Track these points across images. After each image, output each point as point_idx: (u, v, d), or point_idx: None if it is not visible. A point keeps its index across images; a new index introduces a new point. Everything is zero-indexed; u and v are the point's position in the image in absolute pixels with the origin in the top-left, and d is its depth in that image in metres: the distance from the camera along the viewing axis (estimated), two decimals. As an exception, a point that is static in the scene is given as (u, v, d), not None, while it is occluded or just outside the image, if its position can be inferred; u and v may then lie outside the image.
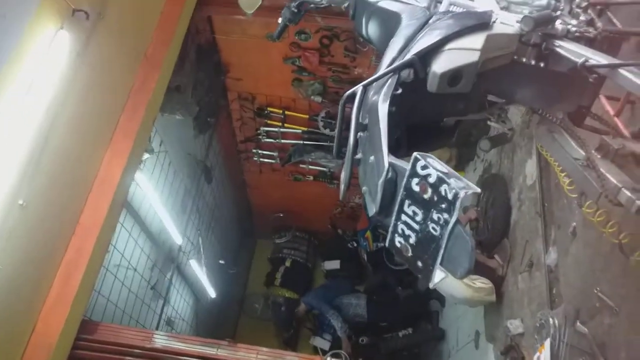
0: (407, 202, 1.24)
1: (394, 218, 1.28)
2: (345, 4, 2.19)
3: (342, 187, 1.60)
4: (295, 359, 3.09)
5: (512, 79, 1.69)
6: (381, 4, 1.89)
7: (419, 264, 1.23)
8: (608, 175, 1.52)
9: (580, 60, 1.52)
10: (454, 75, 1.34)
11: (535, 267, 3.46)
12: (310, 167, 6.71)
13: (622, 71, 1.43)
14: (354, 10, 2.07)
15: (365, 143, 1.48)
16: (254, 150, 6.50)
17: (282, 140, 6.27)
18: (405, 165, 1.26)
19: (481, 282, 3.88)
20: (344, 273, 7.46)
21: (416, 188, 1.21)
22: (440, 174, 1.16)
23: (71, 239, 2.99)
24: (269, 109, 5.99)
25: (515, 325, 3.52)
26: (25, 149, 2.43)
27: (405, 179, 1.22)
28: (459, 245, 1.14)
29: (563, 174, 2.73)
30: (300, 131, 6.17)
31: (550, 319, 2.63)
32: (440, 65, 1.34)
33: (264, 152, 6.55)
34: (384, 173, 1.29)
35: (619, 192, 1.48)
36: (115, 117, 3.39)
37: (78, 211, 3.04)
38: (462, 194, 1.12)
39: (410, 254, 1.25)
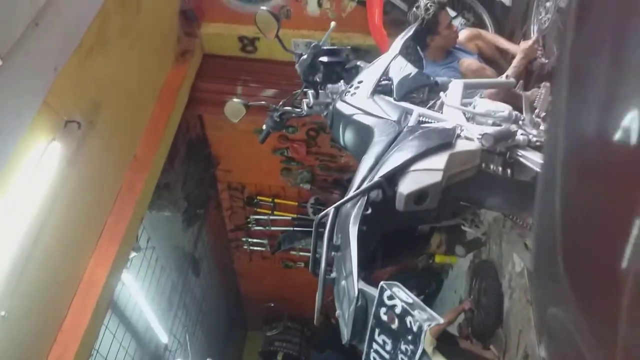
0: (377, 330, 1.24)
1: (366, 345, 1.28)
2: (324, 114, 2.32)
3: (316, 312, 1.60)
4: None
5: (481, 188, 1.75)
6: (355, 117, 2.01)
7: None
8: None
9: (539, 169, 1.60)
10: (419, 195, 1.40)
11: (531, 358, 3.37)
12: (301, 253, 6.68)
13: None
14: (331, 121, 2.19)
15: (339, 263, 1.51)
16: (244, 239, 6.51)
17: (272, 228, 6.30)
18: (374, 292, 1.29)
19: (477, 376, 3.75)
20: (338, 365, 7.17)
21: (384, 317, 1.23)
22: (405, 305, 1.18)
23: (52, 346, 2.90)
24: (259, 197, 6.08)
25: (516, 422, 3.35)
26: (9, 260, 2.43)
27: (374, 308, 1.24)
28: None
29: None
30: (290, 218, 6.22)
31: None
32: (406, 186, 1.41)
33: (254, 240, 6.55)
34: (354, 301, 1.31)
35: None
36: (103, 219, 3.41)
37: (61, 317, 2.97)
38: (425, 326, 1.13)
39: None
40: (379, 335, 1.25)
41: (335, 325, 5.66)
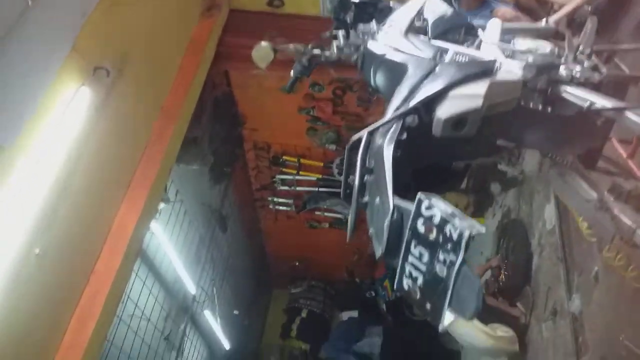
0: (413, 242, 1.22)
1: (401, 259, 1.26)
2: (354, 57, 2.25)
3: (348, 231, 1.59)
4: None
5: (520, 124, 1.69)
6: (388, 55, 1.93)
7: (428, 306, 1.20)
8: (622, 217, 1.48)
9: (585, 105, 1.52)
10: (458, 121, 1.35)
11: (560, 315, 3.34)
12: (326, 214, 6.70)
13: (628, 114, 1.43)
14: (362, 62, 2.12)
15: (372, 186, 1.48)
16: (270, 198, 6.54)
17: (298, 188, 6.30)
18: (410, 206, 1.26)
19: (502, 331, 3.74)
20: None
21: (421, 229, 1.20)
22: (444, 215, 1.15)
23: (85, 287, 2.99)
24: (284, 157, 6.07)
25: (541, 378, 3.35)
26: (42, 198, 2.48)
27: (410, 220, 1.21)
28: (467, 286, 1.11)
29: (581, 218, 2.67)
30: (315, 179, 6.21)
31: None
32: (445, 110, 1.36)
33: (280, 200, 6.58)
34: (389, 214, 1.28)
35: (634, 233, 1.44)
36: (132, 167, 3.45)
37: (93, 260, 3.05)
38: (466, 233, 1.10)
39: (418, 296, 1.22)
40: (415, 247, 1.23)
41: (360, 284, 5.74)
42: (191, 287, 5.07)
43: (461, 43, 1.95)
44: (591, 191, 1.60)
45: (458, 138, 1.51)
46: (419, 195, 1.22)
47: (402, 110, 1.44)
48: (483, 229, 1.17)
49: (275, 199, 6.57)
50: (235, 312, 6.41)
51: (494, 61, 1.54)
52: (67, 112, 2.56)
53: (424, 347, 6.20)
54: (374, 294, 7.13)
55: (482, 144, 1.73)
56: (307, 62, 2.40)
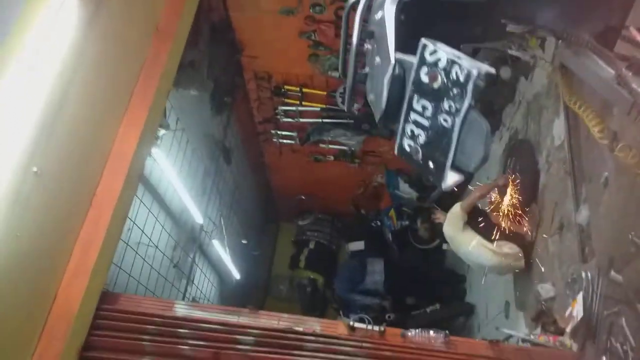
0: (415, 97, 1.15)
1: (402, 120, 1.19)
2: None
3: (346, 102, 1.51)
4: (316, 324, 3.02)
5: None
6: None
7: (431, 165, 1.15)
8: (640, 91, 1.39)
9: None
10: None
11: (566, 228, 3.32)
12: (330, 146, 6.62)
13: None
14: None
15: (373, 52, 1.39)
16: (273, 131, 6.45)
17: (301, 119, 6.19)
18: (412, 59, 1.18)
19: (508, 248, 3.76)
20: (369, 254, 7.38)
21: (425, 79, 1.13)
22: (451, 56, 1.07)
23: (88, 210, 2.98)
24: (286, 87, 5.91)
25: (546, 289, 3.39)
26: (37, 113, 2.41)
27: (413, 71, 1.14)
28: (474, 132, 1.06)
29: (593, 123, 2.58)
30: (318, 109, 6.09)
31: (583, 273, 2.49)
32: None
33: (283, 133, 6.49)
34: (390, 68, 1.20)
35: (653, 104, 1.35)
36: (129, 87, 3.37)
37: (94, 182, 3.02)
38: (474, 72, 1.03)
39: (420, 155, 1.17)
40: (417, 101, 1.16)
41: (365, 215, 5.72)
42: (198, 217, 5.10)
43: None
44: (608, 68, 1.49)
45: (467, 14, 1.40)
46: (423, 40, 1.13)
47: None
48: (492, 70, 1.09)
49: (279, 132, 6.47)
50: (244, 241, 6.49)
51: None
52: (57, 21, 2.44)
53: (429, 274, 6.31)
54: (379, 224, 7.18)
55: (492, 27, 1.61)
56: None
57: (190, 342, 2.96)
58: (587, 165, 2.99)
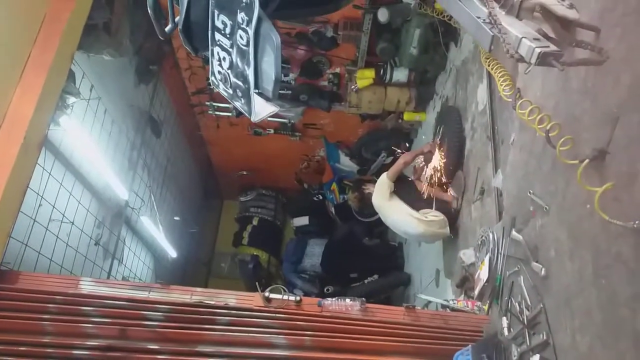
0: (216, 12, 1.02)
1: (210, 42, 1.06)
2: None
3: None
4: (232, 297, 2.90)
5: None
6: None
7: (239, 93, 1.02)
8: (509, 29, 1.30)
9: None
10: None
11: (487, 193, 3.31)
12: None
13: None
14: None
15: None
16: (208, 103, 6.18)
17: (237, 91, 5.96)
18: None
19: (433, 215, 3.73)
20: (313, 228, 7.33)
21: None
22: None
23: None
24: (219, 56, 5.66)
25: (468, 255, 3.37)
26: None
27: None
28: (268, 50, 0.93)
29: (501, 81, 2.53)
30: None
31: (490, 234, 2.46)
32: None
33: (219, 105, 6.23)
34: None
35: (519, 43, 1.26)
36: (25, 50, 3.09)
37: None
38: None
39: (229, 83, 1.04)
40: (218, 18, 1.03)
41: (308, 190, 5.56)
42: (122, 193, 4.84)
43: None
44: (483, 7, 1.40)
45: None
46: None
47: None
48: None
49: (215, 104, 6.22)
50: (176, 218, 6.26)
51: None
52: None
53: (369, 246, 6.31)
54: (321, 198, 7.11)
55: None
56: None
57: (95, 319, 2.78)
58: (501, 127, 2.96)
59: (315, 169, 7.41)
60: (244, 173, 7.45)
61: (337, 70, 5.63)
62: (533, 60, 1.24)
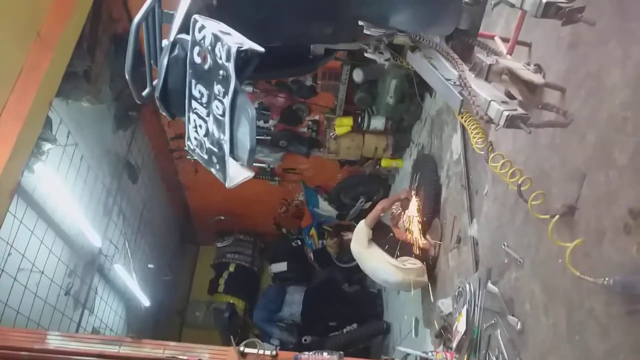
0: (193, 82, 1.04)
1: (187, 109, 1.08)
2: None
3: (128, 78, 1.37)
4: (205, 351, 2.81)
5: (386, 1, 1.52)
6: None
7: (214, 159, 1.03)
8: (478, 91, 1.36)
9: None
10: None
11: (463, 241, 3.33)
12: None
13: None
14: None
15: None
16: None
17: (216, 136, 5.98)
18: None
19: (410, 264, 3.73)
20: (291, 274, 7.23)
21: (198, 59, 1.02)
22: (215, 32, 0.97)
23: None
24: (199, 103, 5.71)
25: (446, 305, 3.36)
26: None
27: (189, 52, 1.03)
28: (244, 120, 0.95)
29: (474, 134, 2.60)
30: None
31: (467, 285, 2.47)
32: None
33: (198, 150, 6.22)
34: (169, 48, 1.09)
35: (488, 105, 1.32)
36: (2, 98, 3.08)
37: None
38: (234, 49, 0.93)
39: (205, 150, 1.05)
40: (195, 87, 1.05)
41: (287, 235, 5.54)
42: (96, 240, 4.73)
43: None
44: (454, 70, 1.47)
45: (311, 13, 1.33)
46: (194, 16, 1.03)
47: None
48: (259, 48, 1.00)
49: (194, 149, 6.21)
50: (150, 265, 6.10)
51: None
52: None
53: (348, 293, 6.24)
54: (300, 243, 7.06)
55: (345, 27, 1.55)
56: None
57: (62, 377, 2.66)
58: (475, 178, 3.03)
59: (294, 213, 7.39)
60: (222, 218, 7.38)
61: (316, 117, 5.74)
62: (502, 123, 1.30)
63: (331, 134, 5.44)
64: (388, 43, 1.69)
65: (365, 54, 1.65)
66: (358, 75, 4.45)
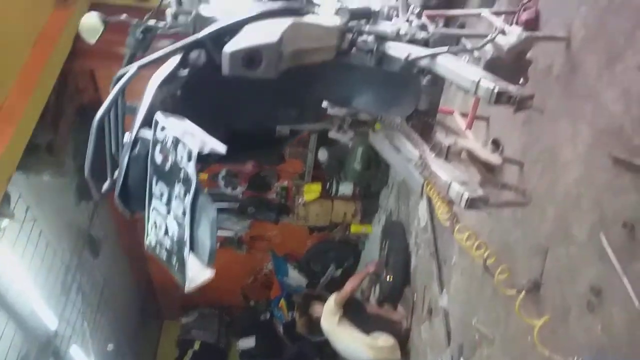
0: (154, 180, 1.03)
1: (147, 207, 1.05)
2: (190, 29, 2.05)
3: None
4: None
5: (348, 84, 1.58)
6: (216, 17, 1.76)
7: (174, 260, 1.00)
8: (439, 172, 1.40)
9: (404, 56, 1.44)
10: (249, 56, 1.18)
11: (434, 312, 3.28)
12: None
13: (439, 59, 1.36)
14: (193, 28, 1.92)
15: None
16: (153, 218, 6.03)
17: (182, 206, 5.88)
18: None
19: (383, 341, 3.62)
20: (260, 351, 6.91)
21: (159, 158, 1.01)
22: (177, 134, 0.96)
23: None
24: (166, 172, 5.65)
25: (420, 380, 3.24)
26: None
27: (150, 150, 1.02)
28: (205, 220, 0.93)
29: (439, 204, 2.63)
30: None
31: (439, 362, 2.40)
32: (233, 44, 1.18)
33: (164, 220, 6.09)
34: (130, 146, 1.07)
35: (449, 187, 1.35)
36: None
37: None
38: (195, 152, 0.92)
39: (165, 250, 1.02)
40: (156, 185, 1.03)
41: (255, 307, 5.36)
42: (52, 322, 4.44)
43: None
44: (414, 150, 1.51)
45: (283, 100, 1.36)
46: (157, 114, 1.03)
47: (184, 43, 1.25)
48: (220, 149, 1.00)
49: (159, 220, 6.07)
50: (110, 346, 5.72)
51: (301, 2, 1.41)
52: None
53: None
54: (269, 316, 6.81)
55: (309, 109, 1.60)
56: (141, 35, 2.16)
57: None
58: (443, 247, 3.04)
59: (263, 283, 7.19)
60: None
61: (285, 183, 5.75)
62: (462, 205, 1.32)
63: (300, 200, 5.45)
64: (352, 121, 1.73)
65: (330, 135, 1.68)
66: (323, 155, 4.58)
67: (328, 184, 5.31)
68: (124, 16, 2.17)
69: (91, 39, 2.22)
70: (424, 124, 1.73)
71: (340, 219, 5.57)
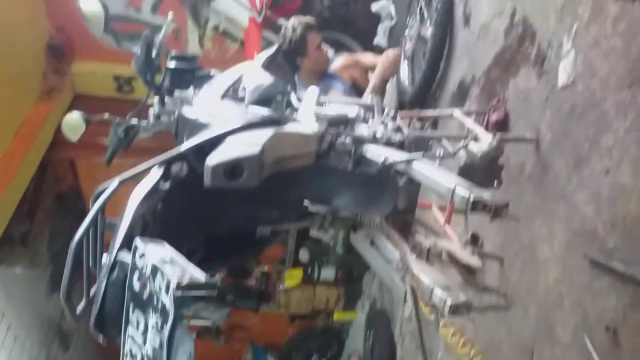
0: (131, 307, 0.99)
1: (122, 334, 1.01)
2: (172, 129, 2.11)
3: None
4: None
5: (327, 184, 1.61)
6: (200, 120, 1.81)
7: None
8: (421, 276, 1.39)
9: (381, 160, 1.49)
10: (231, 168, 1.20)
11: (422, 408, 3.12)
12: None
13: (414, 164, 1.40)
14: (176, 128, 1.98)
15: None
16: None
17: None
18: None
19: None
20: None
21: (137, 286, 0.98)
22: (155, 262, 0.95)
23: None
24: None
25: None
26: None
27: (128, 276, 0.99)
28: (181, 355, 0.89)
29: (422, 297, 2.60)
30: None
31: None
32: (215, 157, 1.21)
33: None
34: (108, 269, 1.05)
35: (431, 292, 1.33)
36: None
37: None
38: (174, 282, 0.90)
39: None
40: (133, 312, 0.99)
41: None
42: None
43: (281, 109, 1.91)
44: (395, 251, 1.51)
45: (264, 202, 1.37)
46: (136, 240, 1.02)
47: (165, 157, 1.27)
48: (199, 277, 0.98)
49: (134, 308, 5.83)
50: None
51: (281, 111, 1.47)
52: None
53: None
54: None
55: (290, 209, 1.61)
56: (123, 133, 2.20)
57: None
58: (428, 340, 2.95)
59: (243, 375, 6.81)
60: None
61: (266, 268, 5.64)
62: (446, 311, 1.30)
63: (281, 286, 5.32)
64: (332, 219, 1.74)
65: (311, 234, 1.68)
66: (304, 256, 4.63)
67: (310, 268, 5.23)
68: (106, 115, 2.23)
69: (73, 136, 2.26)
70: (403, 222, 1.74)
71: (323, 305, 5.42)
